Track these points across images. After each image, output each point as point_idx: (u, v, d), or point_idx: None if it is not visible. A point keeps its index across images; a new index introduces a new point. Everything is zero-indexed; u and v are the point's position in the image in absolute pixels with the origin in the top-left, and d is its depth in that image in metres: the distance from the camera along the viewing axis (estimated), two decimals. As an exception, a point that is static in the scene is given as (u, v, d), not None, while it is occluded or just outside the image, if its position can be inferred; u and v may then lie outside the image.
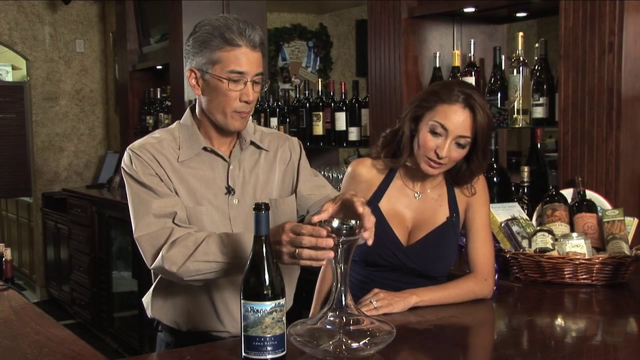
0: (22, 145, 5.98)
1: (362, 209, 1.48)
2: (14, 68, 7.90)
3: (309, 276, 2.10)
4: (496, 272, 2.00)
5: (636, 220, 2.21)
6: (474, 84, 2.82)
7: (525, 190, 2.58)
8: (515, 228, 2.22)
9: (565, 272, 2.07)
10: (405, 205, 1.99)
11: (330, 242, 1.42)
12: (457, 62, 2.98)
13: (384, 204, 1.96)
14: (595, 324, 1.85)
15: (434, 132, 1.87)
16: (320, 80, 4.05)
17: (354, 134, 3.56)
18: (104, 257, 5.05)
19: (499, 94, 2.79)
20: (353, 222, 1.44)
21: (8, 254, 2.43)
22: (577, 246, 2.09)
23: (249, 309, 1.34)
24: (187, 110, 1.86)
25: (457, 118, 1.84)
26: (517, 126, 2.75)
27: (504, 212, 2.28)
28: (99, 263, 5.12)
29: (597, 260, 2.05)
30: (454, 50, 3.13)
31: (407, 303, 1.79)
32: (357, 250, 1.85)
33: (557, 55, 2.52)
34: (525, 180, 2.58)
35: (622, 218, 2.15)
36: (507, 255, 2.17)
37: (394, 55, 3.14)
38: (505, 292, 2.06)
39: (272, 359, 1.34)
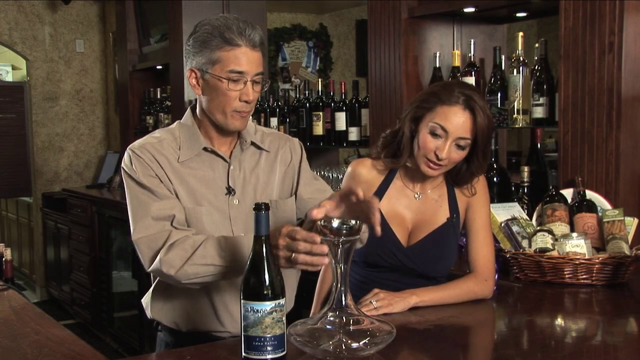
0: (22, 145, 5.98)
1: (362, 193, 1.47)
2: (14, 68, 7.89)
3: (309, 276, 2.09)
4: (496, 272, 2.00)
5: (636, 220, 2.21)
6: (474, 84, 2.82)
7: (525, 190, 2.58)
8: (515, 228, 2.22)
9: (565, 272, 2.07)
10: (405, 206, 1.99)
11: (324, 248, 1.42)
12: (457, 62, 2.98)
13: (384, 205, 1.95)
14: (595, 324, 1.85)
15: (433, 134, 1.86)
16: (320, 80, 4.05)
17: (354, 134, 3.56)
18: (104, 257, 5.05)
19: (499, 94, 2.79)
20: (353, 222, 1.44)
21: (8, 254, 2.43)
22: (577, 246, 2.09)
23: (249, 309, 1.34)
24: (188, 110, 1.86)
25: (457, 120, 1.84)
26: (517, 126, 2.75)
27: (504, 212, 2.28)
28: (99, 263, 5.12)
29: (597, 260, 2.05)
30: (454, 50, 3.13)
31: (407, 303, 1.79)
32: (357, 250, 1.86)
33: (557, 55, 2.52)
34: (525, 180, 2.58)
35: (622, 218, 2.15)
36: (507, 255, 2.17)
37: (394, 55, 3.14)
38: (505, 292, 2.06)
39: (272, 359, 1.34)
